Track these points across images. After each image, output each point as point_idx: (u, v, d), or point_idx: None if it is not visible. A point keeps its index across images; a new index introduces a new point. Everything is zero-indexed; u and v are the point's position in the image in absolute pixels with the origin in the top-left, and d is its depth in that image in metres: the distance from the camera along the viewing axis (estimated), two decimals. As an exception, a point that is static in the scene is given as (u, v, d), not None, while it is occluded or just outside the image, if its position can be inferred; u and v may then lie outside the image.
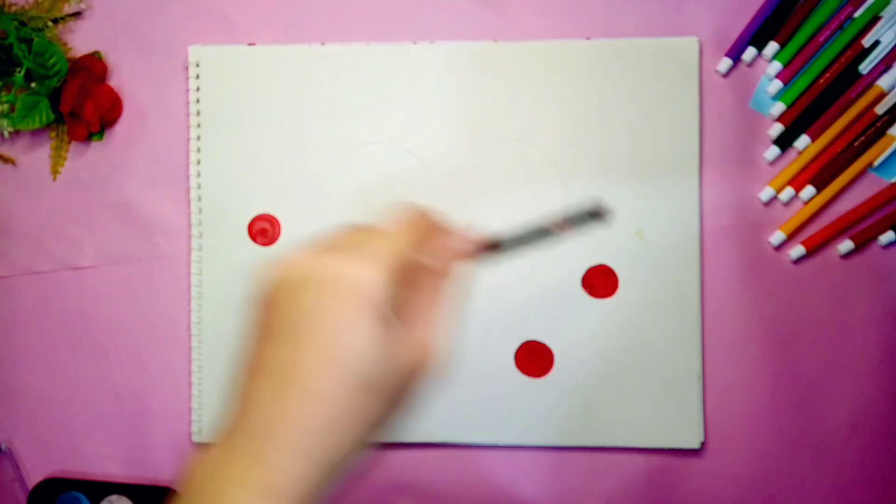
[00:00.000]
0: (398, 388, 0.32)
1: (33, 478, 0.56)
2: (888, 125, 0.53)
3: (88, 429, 0.56)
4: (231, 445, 0.30)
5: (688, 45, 0.54)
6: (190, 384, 0.55)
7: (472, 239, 0.35)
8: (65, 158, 0.56)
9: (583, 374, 0.54)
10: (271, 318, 0.32)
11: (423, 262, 0.34)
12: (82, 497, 0.54)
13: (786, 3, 0.54)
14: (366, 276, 0.31)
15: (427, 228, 0.35)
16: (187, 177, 0.56)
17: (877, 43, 0.53)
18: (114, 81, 0.56)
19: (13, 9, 0.55)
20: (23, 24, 0.54)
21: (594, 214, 0.37)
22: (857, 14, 0.53)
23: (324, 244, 0.33)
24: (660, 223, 0.54)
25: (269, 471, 0.29)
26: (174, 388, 0.56)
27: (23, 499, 0.56)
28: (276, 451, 0.30)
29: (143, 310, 0.56)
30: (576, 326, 0.54)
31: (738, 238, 0.54)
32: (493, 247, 0.36)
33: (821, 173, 0.54)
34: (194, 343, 0.55)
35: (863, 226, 0.54)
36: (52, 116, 0.55)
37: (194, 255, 0.55)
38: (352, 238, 0.33)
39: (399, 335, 0.32)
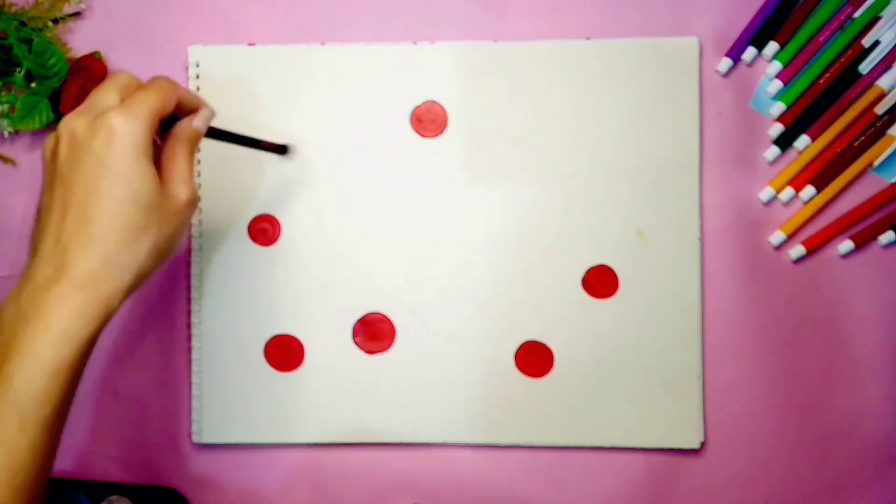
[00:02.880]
0: (166, 216, 0.41)
1: (33, 478, 0.56)
2: (888, 125, 0.53)
3: (88, 429, 0.56)
4: (29, 273, 0.39)
5: (688, 45, 0.54)
6: (190, 384, 0.55)
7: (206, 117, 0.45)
8: (65, 158, 0.56)
9: (583, 374, 0.54)
10: (59, 167, 0.40)
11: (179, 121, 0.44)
12: (82, 497, 0.54)
13: (786, 3, 0.54)
14: (134, 124, 0.39)
15: (175, 97, 0.43)
16: (187, 177, 0.56)
17: (877, 43, 0.53)
18: (114, 81, 0.56)
19: (13, 9, 0.55)
20: (23, 24, 0.54)
21: (279, 149, 0.53)
22: (857, 14, 0.53)
23: (91, 103, 0.41)
24: (660, 223, 0.54)
25: (74, 269, 0.38)
26: (174, 388, 0.56)
27: (23, 499, 0.55)
28: (75, 254, 0.38)
29: (143, 310, 0.56)
30: (576, 326, 0.54)
31: (738, 238, 0.54)
32: (216, 134, 0.48)
33: (821, 173, 0.54)
34: (194, 343, 0.55)
35: (863, 226, 0.54)
36: (52, 116, 0.55)
37: (194, 256, 0.55)
38: (113, 93, 0.41)
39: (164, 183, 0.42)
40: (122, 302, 0.40)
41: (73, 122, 0.40)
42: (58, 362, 0.38)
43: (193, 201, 0.43)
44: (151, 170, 0.40)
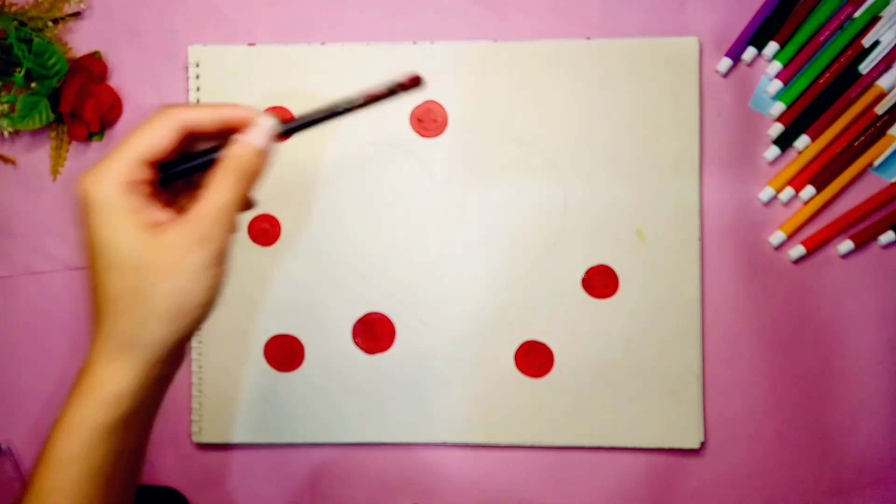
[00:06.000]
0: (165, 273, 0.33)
1: (33, 478, 0.56)
2: (888, 125, 0.53)
3: (88, 429, 0.56)
4: None
5: (688, 45, 0.54)
6: (190, 384, 0.55)
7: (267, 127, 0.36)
8: (65, 158, 0.56)
9: (583, 374, 0.54)
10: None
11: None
12: (82, 497, 0.54)
13: (786, 3, 0.54)
14: (94, 180, 0.33)
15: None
16: (187, 177, 0.56)
17: (877, 43, 0.53)
18: (114, 81, 0.56)
19: (13, 9, 0.55)
20: (23, 24, 0.54)
21: (407, 85, 0.38)
22: (857, 14, 0.53)
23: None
24: (660, 223, 0.54)
25: (94, 372, 0.37)
26: (174, 388, 0.55)
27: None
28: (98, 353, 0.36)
29: (143, 310, 0.56)
30: (576, 326, 0.54)
31: (738, 238, 0.54)
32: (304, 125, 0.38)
33: (821, 173, 0.54)
34: (194, 343, 0.55)
35: (863, 226, 0.54)
36: (52, 116, 0.55)
37: (194, 255, 0.55)
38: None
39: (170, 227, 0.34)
40: (152, 373, 0.37)
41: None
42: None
43: (209, 251, 0.33)
44: (124, 227, 0.33)
